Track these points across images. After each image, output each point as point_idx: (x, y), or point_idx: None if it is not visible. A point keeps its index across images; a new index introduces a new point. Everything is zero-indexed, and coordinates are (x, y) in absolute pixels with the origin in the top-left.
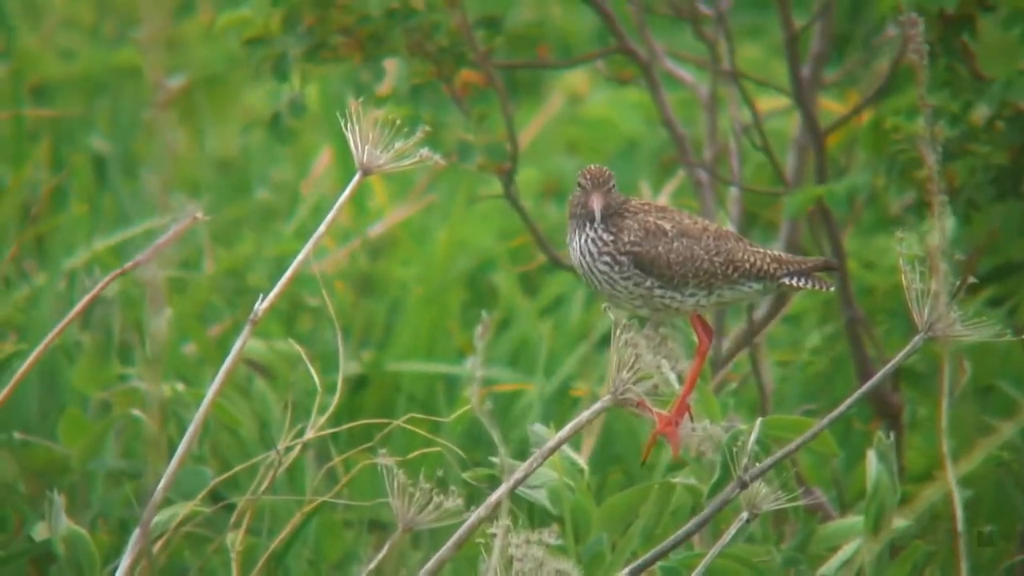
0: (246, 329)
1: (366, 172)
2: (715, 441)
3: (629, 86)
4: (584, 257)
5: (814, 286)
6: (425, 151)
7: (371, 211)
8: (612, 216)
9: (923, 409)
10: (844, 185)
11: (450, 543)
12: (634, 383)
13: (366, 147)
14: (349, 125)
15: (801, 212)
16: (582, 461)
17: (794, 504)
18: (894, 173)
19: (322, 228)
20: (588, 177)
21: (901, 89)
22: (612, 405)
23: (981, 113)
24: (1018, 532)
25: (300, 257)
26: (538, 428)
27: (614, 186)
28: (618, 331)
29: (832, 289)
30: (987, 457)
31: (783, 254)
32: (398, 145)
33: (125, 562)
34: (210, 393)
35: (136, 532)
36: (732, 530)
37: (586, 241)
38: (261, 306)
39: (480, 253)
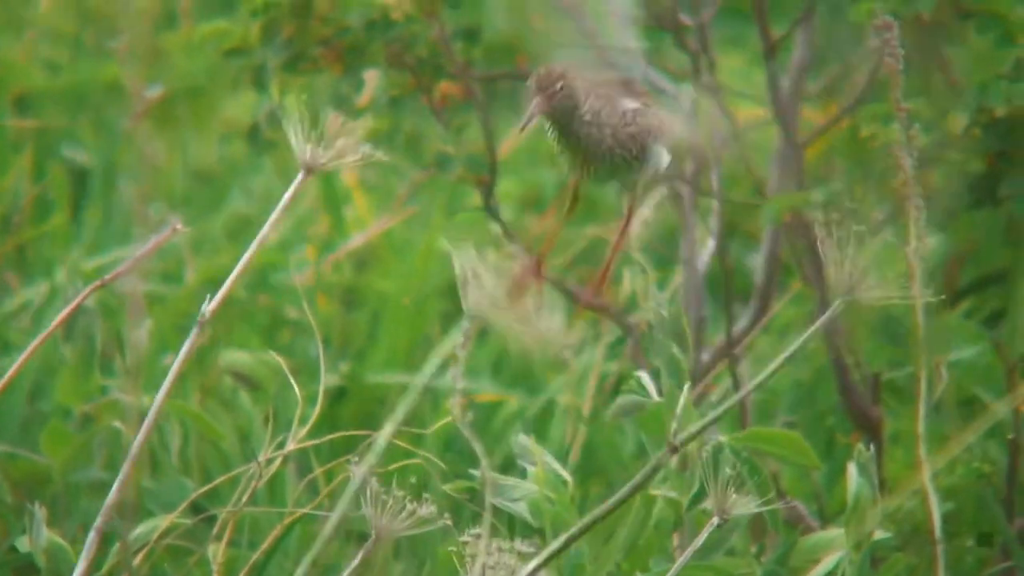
0: (194, 331)
1: (309, 171)
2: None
3: None
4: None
5: None
6: (367, 148)
7: (351, 222)
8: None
9: (904, 422)
10: (822, 193)
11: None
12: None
13: (308, 147)
14: (291, 126)
15: (779, 218)
16: (566, 473)
17: (768, 508)
18: (871, 181)
19: (266, 228)
20: (534, 81)
21: (879, 97)
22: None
23: (960, 122)
24: (998, 543)
25: (246, 255)
26: (523, 440)
27: (561, 88)
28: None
29: None
30: (967, 470)
31: None
32: (339, 143)
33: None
34: (160, 394)
35: (92, 540)
36: (703, 535)
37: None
38: (208, 307)
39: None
